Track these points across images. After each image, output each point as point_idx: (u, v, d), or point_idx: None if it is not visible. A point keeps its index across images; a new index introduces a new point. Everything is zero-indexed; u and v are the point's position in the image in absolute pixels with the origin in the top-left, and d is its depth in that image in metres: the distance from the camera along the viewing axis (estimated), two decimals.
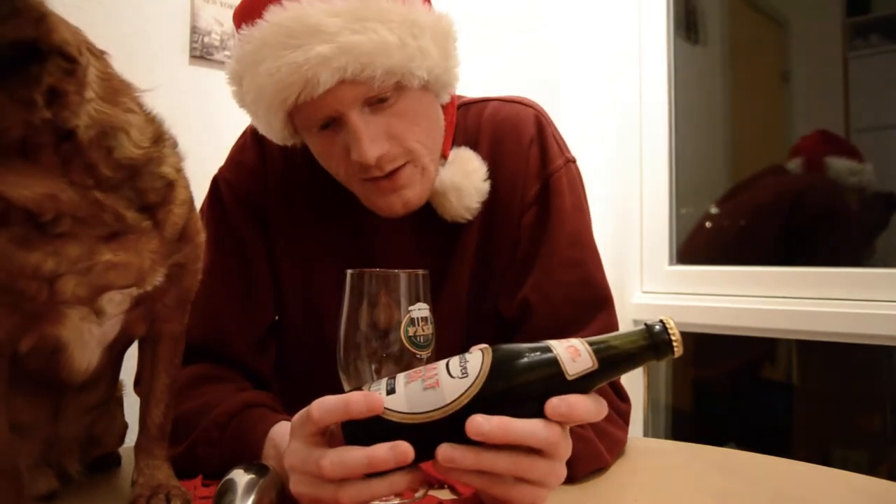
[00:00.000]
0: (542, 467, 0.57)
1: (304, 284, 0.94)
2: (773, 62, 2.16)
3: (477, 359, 0.56)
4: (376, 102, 0.80)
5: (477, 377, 0.54)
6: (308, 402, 0.88)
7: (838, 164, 1.87)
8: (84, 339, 0.64)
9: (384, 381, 0.58)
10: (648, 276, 1.99)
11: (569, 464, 0.73)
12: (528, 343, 0.57)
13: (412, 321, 0.66)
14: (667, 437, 2.05)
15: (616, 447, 0.84)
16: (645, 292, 1.98)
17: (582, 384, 0.55)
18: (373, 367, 0.66)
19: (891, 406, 1.81)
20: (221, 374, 0.86)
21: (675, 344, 0.54)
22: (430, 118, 0.87)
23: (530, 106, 0.97)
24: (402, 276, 0.66)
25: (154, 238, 0.63)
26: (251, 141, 0.96)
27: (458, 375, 0.55)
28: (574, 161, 0.96)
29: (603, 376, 0.55)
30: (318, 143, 0.85)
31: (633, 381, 1.96)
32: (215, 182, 0.96)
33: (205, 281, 0.74)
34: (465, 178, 0.88)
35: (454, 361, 0.57)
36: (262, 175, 0.94)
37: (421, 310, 0.66)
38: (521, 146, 0.92)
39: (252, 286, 0.92)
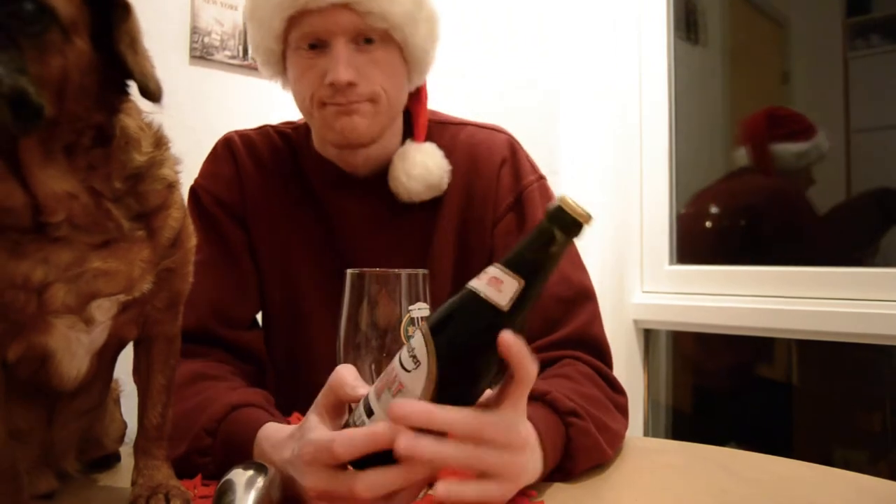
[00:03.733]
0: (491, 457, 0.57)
1: (284, 281, 1.01)
2: (773, 62, 2.16)
3: (419, 341, 0.54)
4: (362, 42, 0.90)
5: (428, 363, 0.53)
6: (293, 394, 0.93)
7: (784, 151, 1.87)
8: (72, 348, 0.63)
9: (360, 407, 0.57)
10: (648, 276, 1.98)
11: (570, 457, 0.75)
12: (454, 297, 0.55)
13: (412, 321, 0.66)
14: (667, 437, 2.05)
15: (616, 440, 0.85)
16: (645, 292, 1.98)
17: (520, 307, 0.53)
18: (373, 366, 0.66)
19: (891, 406, 1.81)
20: (215, 372, 0.87)
21: (580, 218, 0.52)
22: (399, 82, 0.95)
23: (503, 132, 1.06)
24: (403, 275, 0.66)
25: (146, 247, 0.63)
26: (223, 151, 1.03)
27: (412, 368, 0.54)
28: (545, 178, 1.05)
29: (534, 288, 0.54)
30: (301, 62, 0.92)
31: (633, 381, 1.96)
32: (193, 190, 1.01)
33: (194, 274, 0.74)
34: (413, 168, 0.96)
35: (404, 353, 0.56)
36: (237, 182, 1.01)
37: (421, 309, 0.67)
38: (493, 165, 1.01)
39: (238, 273, 0.99)
